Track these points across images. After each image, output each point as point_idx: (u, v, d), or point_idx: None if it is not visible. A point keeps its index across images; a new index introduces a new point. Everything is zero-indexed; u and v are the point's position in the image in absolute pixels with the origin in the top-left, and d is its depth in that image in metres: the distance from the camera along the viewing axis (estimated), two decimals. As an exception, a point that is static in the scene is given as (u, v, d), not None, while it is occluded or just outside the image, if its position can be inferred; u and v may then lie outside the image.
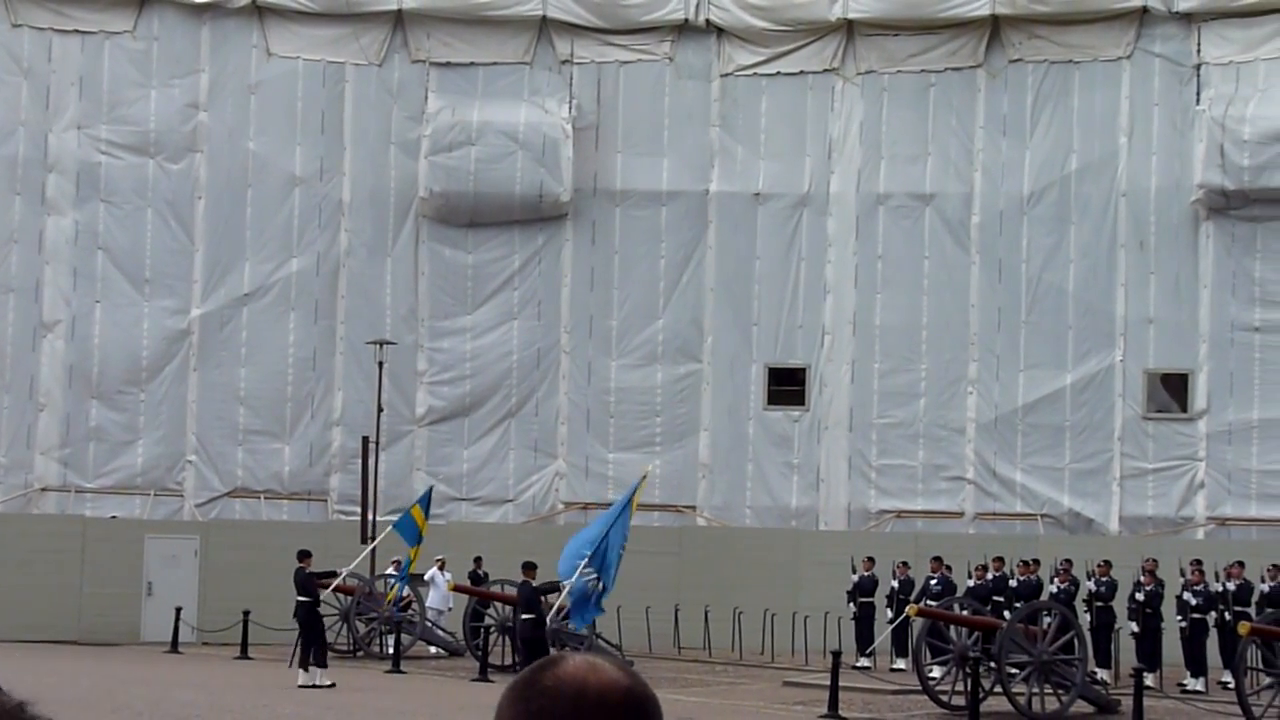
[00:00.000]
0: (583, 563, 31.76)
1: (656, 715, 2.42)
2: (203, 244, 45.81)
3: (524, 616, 31.54)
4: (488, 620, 37.44)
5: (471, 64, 46.61)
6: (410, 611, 39.39)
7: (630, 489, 34.38)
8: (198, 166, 45.87)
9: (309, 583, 33.28)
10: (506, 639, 36.59)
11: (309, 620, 32.67)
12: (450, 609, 40.44)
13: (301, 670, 32.02)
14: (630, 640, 38.90)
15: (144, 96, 45.86)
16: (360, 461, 43.38)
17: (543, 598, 32.55)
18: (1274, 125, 41.86)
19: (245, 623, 38.12)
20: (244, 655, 37.75)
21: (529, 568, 32.51)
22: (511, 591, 36.83)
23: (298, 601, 33.16)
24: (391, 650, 36.87)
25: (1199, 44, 43.67)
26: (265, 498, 45.74)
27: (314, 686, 31.21)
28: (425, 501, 37.09)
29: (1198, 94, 43.36)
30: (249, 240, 45.94)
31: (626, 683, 2.39)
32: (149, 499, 45.25)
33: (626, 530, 32.52)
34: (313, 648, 32.26)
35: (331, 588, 35.44)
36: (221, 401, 45.61)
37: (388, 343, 43.48)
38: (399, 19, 46.32)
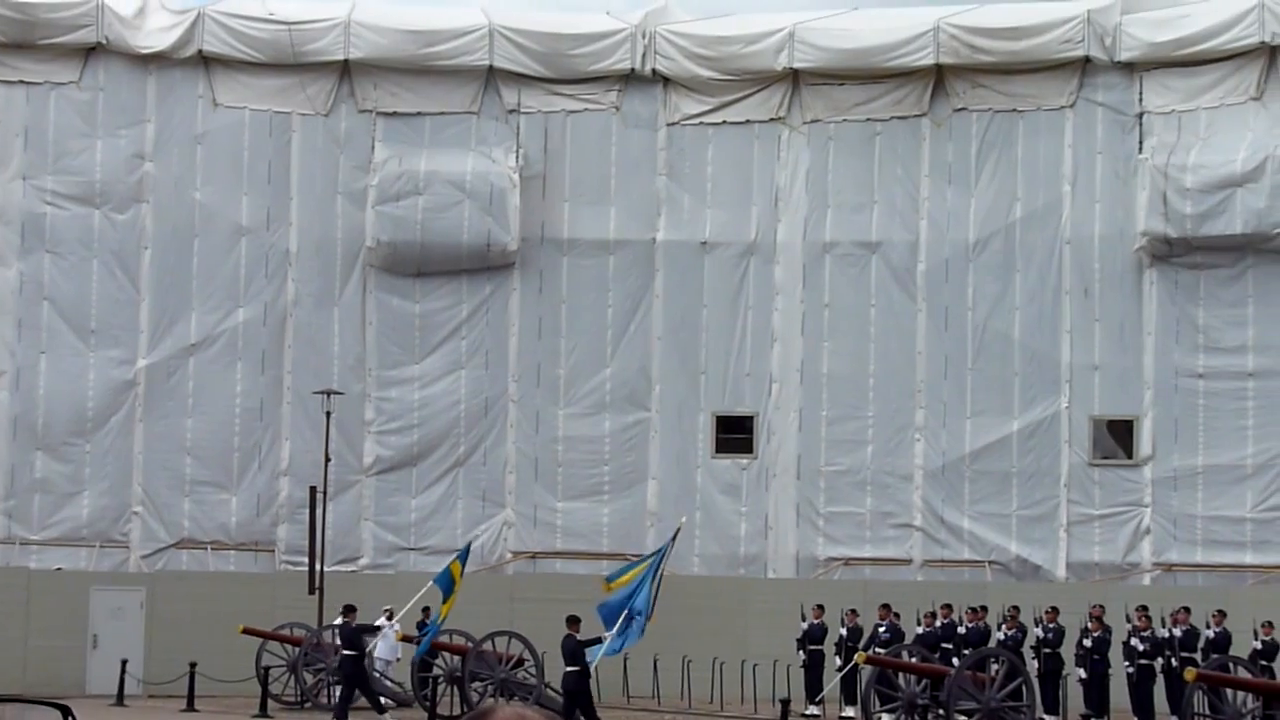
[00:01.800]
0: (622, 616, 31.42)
1: None
2: (149, 294, 45.64)
3: (568, 669, 31.16)
4: (436, 670, 37.28)
5: (418, 113, 46.64)
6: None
7: (667, 540, 34.05)
8: (144, 216, 45.73)
9: (355, 636, 34.42)
10: (455, 689, 36.43)
11: (354, 673, 33.88)
12: (398, 659, 40.25)
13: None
14: (579, 690, 38.73)
15: (89, 147, 45.73)
16: (308, 511, 43.18)
17: (585, 649, 31.97)
18: (1216, 173, 42.18)
19: (192, 675, 37.87)
20: (190, 708, 37.49)
21: (573, 621, 32.09)
22: (460, 641, 36.76)
23: (343, 655, 34.35)
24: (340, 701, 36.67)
25: (1141, 93, 44.01)
26: (212, 548, 45.51)
27: None
28: (464, 556, 36.88)
29: (1140, 142, 43.68)
30: (195, 290, 45.80)
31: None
32: (94, 550, 44.97)
33: (653, 581, 32.00)
34: (363, 696, 33.79)
35: (374, 644, 35.44)
36: (168, 452, 45.39)
37: (335, 392, 43.38)
38: (345, 69, 46.33)
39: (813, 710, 36.87)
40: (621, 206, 46.35)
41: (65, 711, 12.46)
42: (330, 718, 35.20)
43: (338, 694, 35.64)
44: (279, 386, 45.92)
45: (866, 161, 45.59)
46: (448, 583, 35.64)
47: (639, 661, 40.09)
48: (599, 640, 31.53)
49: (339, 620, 40.40)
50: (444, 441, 46.11)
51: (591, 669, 31.40)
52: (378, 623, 40.27)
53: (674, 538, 33.58)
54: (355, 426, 45.64)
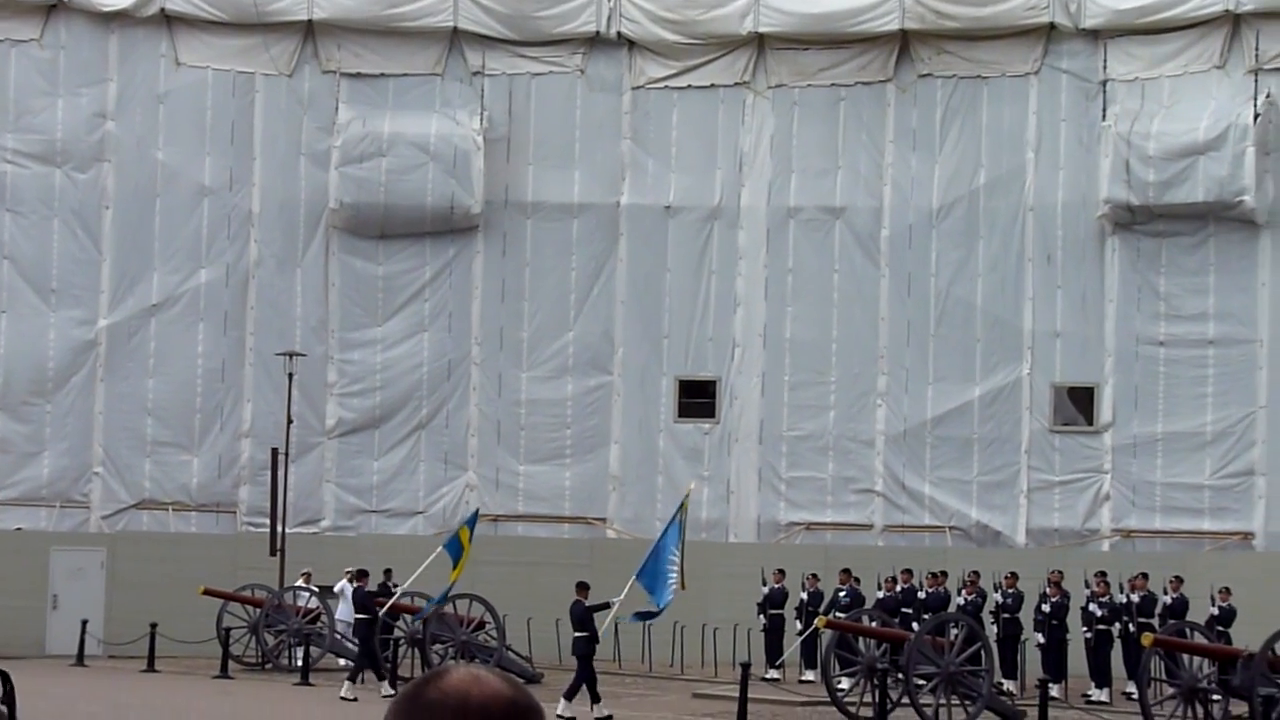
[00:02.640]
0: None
1: None
2: (110, 254, 45.46)
3: (576, 634, 31.22)
4: (397, 632, 37.31)
5: (382, 75, 46.49)
6: (319, 624, 39.23)
7: (678, 506, 34.05)
8: (105, 176, 45.52)
9: (368, 600, 34.62)
10: (415, 651, 36.46)
11: (367, 637, 34.08)
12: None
13: (348, 682, 32.82)
14: (540, 652, 38.85)
15: (51, 105, 45.49)
16: (269, 473, 43.13)
17: (595, 615, 32.14)
18: (1179, 141, 42.29)
19: (152, 636, 37.85)
20: (151, 669, 37.45)
21: (582, 587, 32.17)
22: (421, 604, 36.79)
23: (356, 619, 34.76)
24: (300, 663, 36.73)
25: (1105, 60, 44.07)
26: (173, 510, 45.43)
27: (385, 696, 32.12)
28: (471, 523, 36.76)
29: (1104, 110, 43.75)
30: (157, 251, 45.63)
31: (509, 694, 2.41)
32: (55, 511, 44.86)
33: (676, 545, 32.03)
34: (368, 663, 33.70)
35: (387, 607, 35.38)
36: (129, 413, 45.27)
37: (298, 354, 43.31)
38: (309, 29, 46.14)
39: (773, 674, 36.98)
40: (586, 170, 46.30)
41: (3, 678, 12.42)
42: (296, 676, 35.20)
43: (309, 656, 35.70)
44: (241, 348, 45.81)
45: (831, 127, 45.60)
46: (456, 549, 35.79)
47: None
48: (607, 605, 31.58)
49: (299, 582, 40.51)
50: (406, 404, 46.08)
51: (600, 635, 31.51)
52: (337, 587, 40.36)
53: (684, 504, 33.49)
54: (317, 388, 45.58)
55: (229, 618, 39.37)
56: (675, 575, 31.17)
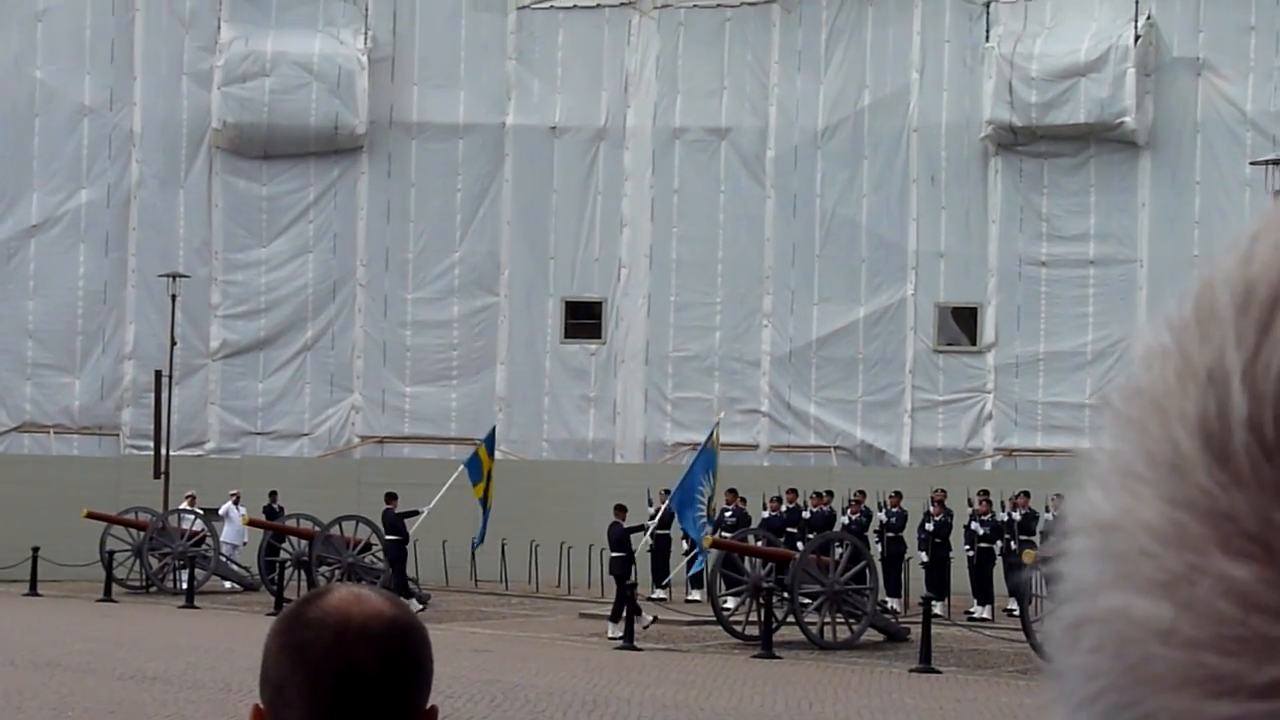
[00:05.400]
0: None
1: (421, 644, 2.47)
2: (-12, 174, 44.83)
3: (614, 555, 31.95)
4: (283, 554, 37.24)
5: (265, -7, 45.98)
6: (204, 546, 39.08)
7: (707, 435, 34.51)
8: (-18, 95, 44.83)
9: (398, 522, 35.27)
10: (302, 573, 36.42)
11: (398, 557, 34.95)
12: (245, 543, 40.17)
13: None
14: (427, 574, 38.88)
15: (-75, 22, 44.72)
16: (153, 396, 42.79)
17: (631, 535, 32.88)
18: (1061, 63, 42.59)
19: (34, 559, 37.54)
20: (33, 592, 37.18)
21: (620, 510, 33.31)
22: (307, 525, 36.81)
23: (387, 540, 35.25)
24: (185, 585, 36.59)
25: (989, -18, 44.25)
26: (55, 432, 45.03)
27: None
28: (490, 441, 37.24)
29: (987, 31, 43.97)
30: (36, 170, 45.04)
31: (391, 612, 2.43)
32: (-66, 434, 44.37)
33: (708, 471, 32.62)
34: (398, 581, 34.10)
35: (415, 526, 35.83)
36: (8, 334, 44.76)
37: (181, 276, 42.89)
38: (190, -54, 45.54)
39: (659, 594, 37.18)
40: (471, 90, 46.05)
41: None
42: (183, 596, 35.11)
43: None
44: (123, 269, 45.35)
45: (716, 48, 45.58)
46: (477, 468, 36.28)
47: (487, 546, 40.18)
48: (641, 528, 33.34)
49: (183, 505, 40.28)
50: (291, 326, 45.82)
51: (636, 552, 32.31)
52: (222, 509, 40.19)
53: (713, 433, 33.98)
54: (201, 310, 45.22)
55: (112, 541, 39.12)
56: (703, 507, 31.85)
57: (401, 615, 2.46)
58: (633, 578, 30.39)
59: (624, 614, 29.56)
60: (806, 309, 44.90)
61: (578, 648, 28.83)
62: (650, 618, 30.98)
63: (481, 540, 36.96)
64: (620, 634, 29.29)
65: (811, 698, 22.67)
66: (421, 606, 33.83)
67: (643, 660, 27.11)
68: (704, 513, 32.03)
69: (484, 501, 36.42)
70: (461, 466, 37.01)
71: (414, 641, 2.44)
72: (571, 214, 45.86)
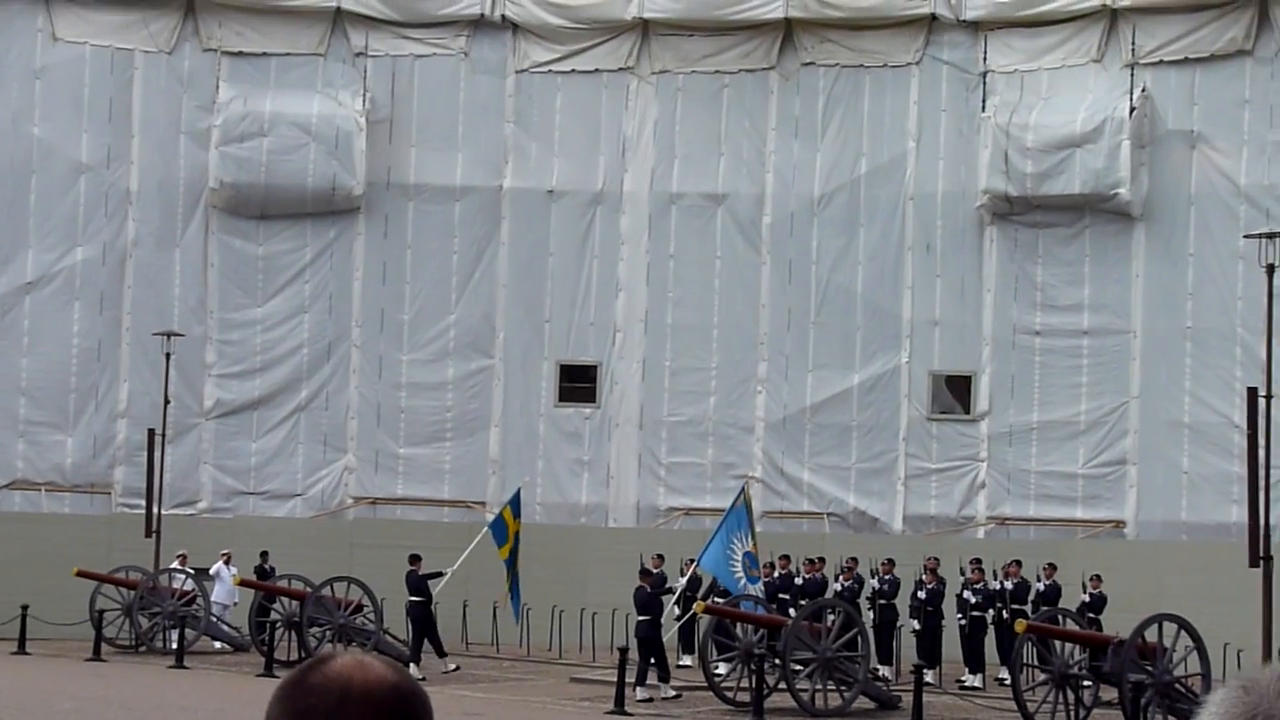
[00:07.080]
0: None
1: (423, 711, 2.47)
2: (-15, 231, 44.84)
3: (640, 618, 31.83)
4: (274, 615, 37.15)
5: (264, 54, 46.11)
6: (195, 606, 38.97)
7: (735, 495, 34.78)
8: (-20, 152, 44.89)
9: (421, 583, 35.37)
10: (293, 634, 36.33)
11: (422, 617, 34.94)
12: (236, 603, 40.07)
13: (413, 664, 33.09)
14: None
15: (-75, 79, 44.81)
16: (145, 454, 42.73)
17: (662, 599, 32.98)
18: (1056, 133, 42.75)
19: (24, 617, 37.42)
20: (22, 650, 37.05)
21: (645, 574, 33.46)
22: (298, 586, 36.70)
23: (410, 601, 35.30)
24: (175, 645, 36.47)
25: (985, 52, 44.45)
26: (46, 490, 44.93)
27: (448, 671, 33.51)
28: (515, 503, 37.30)
29: (983, 101, 44.14)
30: (33, 228, 45.07)
31: (393, 679, 2.43)
32: (-74, 490, 44.25)
33: (739, 534, 32.80)
34: (425, 640, 34.76)
35: (439, 587, 35.98)
36: (2, 391, 44.72)
37: (175, 334, 42.91)
38: (190, 6, 45.70)
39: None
40: (468, 153, 46.17)
41: None
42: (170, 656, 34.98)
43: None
44: (118, 327, 45.34)
45: (714, 113, 45.73)
46: (502, 530, 36.37)
47: (478, 609, 40.11)
48: (670, 590, 33.46)
49: (174, 564, 40.20)
50: (286, 386, 45.79)
51: (664, 619, 32.21)
52: (213, 569, 40.11)
53: (743, 492, 34.28)
54: (196, 369, 45.19)
55: (103, 600, 39.02)
56: (739, 566, 32.09)
57: (403, 682, 2.47)
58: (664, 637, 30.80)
59: (647, 674, 29.99)
60: (801, 375, 44.91)
61: (569, 713, 28.74)
62: (673, 691, 31.01)
63: (518, 609, 37.05)
64: (648, 696, 29.72)
65: (802, 766, 22.57)
66: (455, 667, 34.06)
67: (633, 726, 27.01)
68: (739, 567, 32.28)
69: (511, 565, 36.47)
70: (486, 529, 37.13)
71: (415, 708, 2.44)
72: (567, 277, 45.92)
